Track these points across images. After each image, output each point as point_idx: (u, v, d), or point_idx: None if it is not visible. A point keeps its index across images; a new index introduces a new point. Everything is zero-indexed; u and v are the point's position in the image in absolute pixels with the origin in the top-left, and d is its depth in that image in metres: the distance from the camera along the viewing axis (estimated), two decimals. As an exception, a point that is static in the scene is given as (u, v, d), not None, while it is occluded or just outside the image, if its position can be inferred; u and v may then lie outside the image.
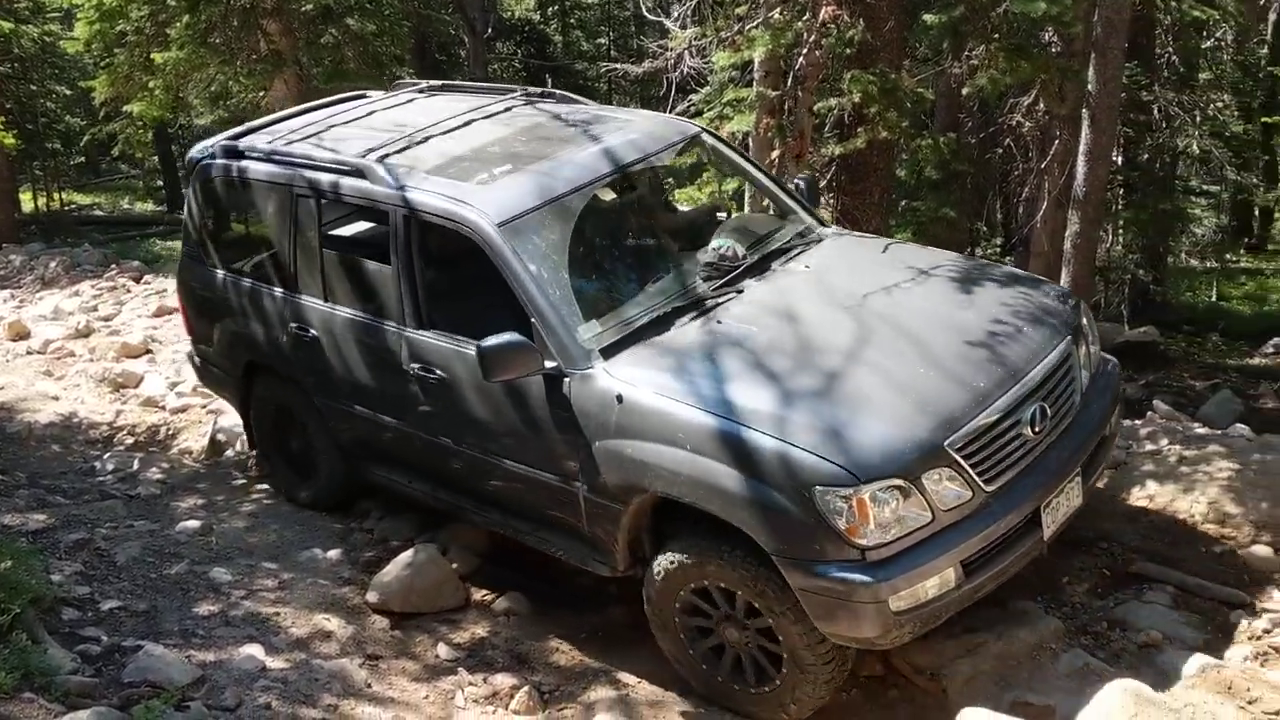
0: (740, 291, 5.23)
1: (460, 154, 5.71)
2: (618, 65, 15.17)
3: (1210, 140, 15.02)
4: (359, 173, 5.60)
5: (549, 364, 4.86)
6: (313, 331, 6.00)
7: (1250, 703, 4.40)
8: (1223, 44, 18.69)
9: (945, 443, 4.32)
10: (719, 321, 5.03)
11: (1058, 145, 9.60)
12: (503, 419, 5.17)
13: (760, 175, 6.41)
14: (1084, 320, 5.20)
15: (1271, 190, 16.68)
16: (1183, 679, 4.55)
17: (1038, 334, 4.93)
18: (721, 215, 6.46)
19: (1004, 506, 4.44)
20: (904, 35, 9.22)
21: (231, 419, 7.68)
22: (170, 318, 10.48)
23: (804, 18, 7.81)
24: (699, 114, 9.72)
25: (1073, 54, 9.06)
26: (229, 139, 6.54)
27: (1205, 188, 19.57)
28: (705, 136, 6.22)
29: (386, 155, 5.68)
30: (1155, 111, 14.12)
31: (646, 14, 11.92)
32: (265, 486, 7.13)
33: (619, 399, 4.69)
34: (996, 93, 8.67)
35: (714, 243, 5.59)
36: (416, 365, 5.44)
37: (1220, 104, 17.88)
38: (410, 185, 5.42)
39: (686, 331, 4.99)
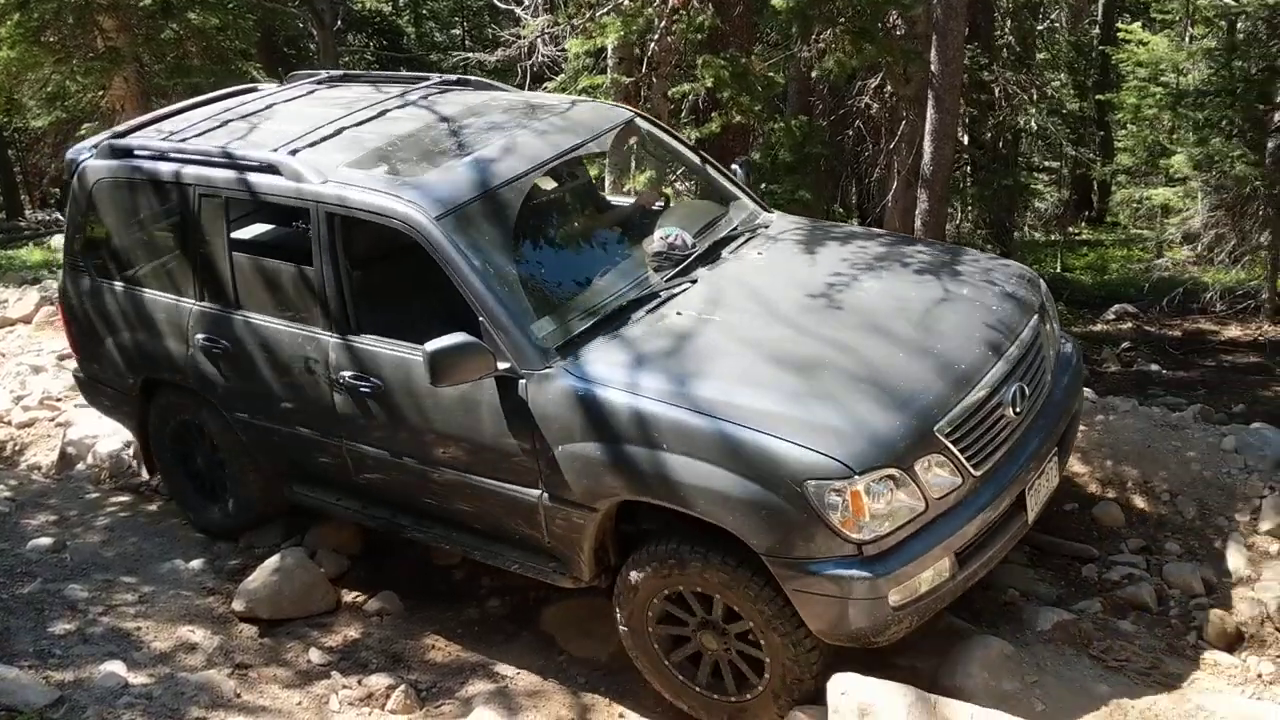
0: (694, 281, 4.96)
1: (380, 146, 5.29)
2: (471, 55, 15.03)
3: (1049, 118, 15.61)
4: (271, 168, 5.16)
5: (502, 365, 4.50)
6: (223, 343, 5.50)
7: (1103, 652, 4.63)
8: (1058, 25, 19.47)
9: (935, 428, 4.16)
10: (679, 313, 4.74)
11: (905, 126, 9.85)
12: (449, 427, 4.78)
13: (697, 159, 6.02)
14: (1046, 297, 5.09)
15: (1108, 164, 17.41)
16: (1039, 634, 4.76)
17: (1008, 312, 4.79)
18: (659, 204, 6.07)
19: (992, 491, 4.31)
20: (753, 20, 9.37)
21: (81, 430, 7.40)
22: (12, 329, 10.01)
23: (654, 4, 7.87)
24: (554, 102, 9.69)
25: (915, 36, 9.31)
26: (114, 137, 5.98)
27: (1046, 164, 20.35)
28: (639, 121, 5.93)
29: (297, 150, 5.25)
30: (996, 91, 14.63)
31: (499, 3, 11.82)
32: (123, 499, 6.89)
33: (581, 399, 4.39)
34: (844, 75, 8.87)
35: (659, 232, 5.30)
36: (347, 374, 5.02)
37: (1057, 83, 18.63)
38: (332, 180, 5.00)
39: (646, 324, 4.71)
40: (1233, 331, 13.20)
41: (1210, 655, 4.65)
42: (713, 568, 4.25)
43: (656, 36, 8.15)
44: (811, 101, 13.62)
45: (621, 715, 4.78)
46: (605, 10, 8.41)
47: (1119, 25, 14.80)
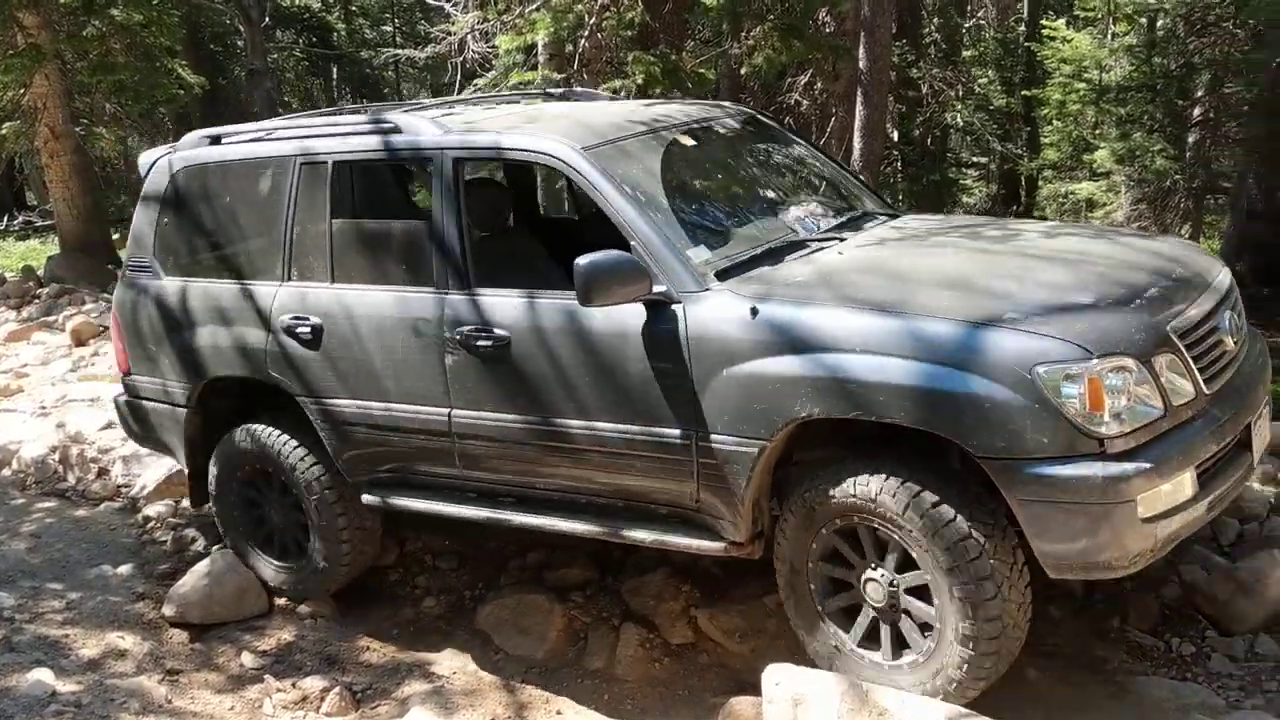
0: (843, 239, 4.73)
1: (505, 114, 5.23)
2: (402, 52, 14.92)
3: (976, 114, 15.84)
4: (393, 128, 4.97)
5: (657, 288, 4.19)
6: (312, 320, 5.04)
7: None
8: (984, 22, 19.74)
9: (1169, 326, 3.83)
10: (840, 254, 4.51)
11: (834, 122, 9.98)
12: (587, 369, 4.39)
13: (824, 156, 5.85)
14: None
15: (1034, 160, 17.71)
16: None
17: (1201, 257, 4.57)
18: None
19: (1224, 411, 3.95)
20: (684, 17, 9.40)
21: (5, 436, 7.26)
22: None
23: (584, 0, 7.87)
24: (486, 99, 9.68)
25: (844, 33, 9.43)
26: (204, 134, 5.72)
27: (974, 159, 20.64)
28: (762, 118, 5.87)
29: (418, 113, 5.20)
30: (924, 88, 14.82)
31: (429, -1, 11.78)
32: (49, 504, 6.77)
33: (754, 312, 4.02)
34: (774, 72, 8.94)
35: (796, 205, 5.13)
36: (465, 329, 4.63)
37: (985, 79, 18.90)
38: (460, 130, 4.86)
39: (807, 260, 4.46)
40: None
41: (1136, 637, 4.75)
42: (907, 489, 3.82)
43: (587, 33, 8.16)
44: (743, 98, 13.69)
45: (559, 713, 4.78)
46: (535, 6, 8.41)
47: (1043, 23, 15.05)
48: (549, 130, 4.73)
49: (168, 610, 5.47)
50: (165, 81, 15.19)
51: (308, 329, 5.05)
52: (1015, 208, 22.92)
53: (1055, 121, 15.10)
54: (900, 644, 4.07)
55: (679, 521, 4.45)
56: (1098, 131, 13.88)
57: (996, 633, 3.80)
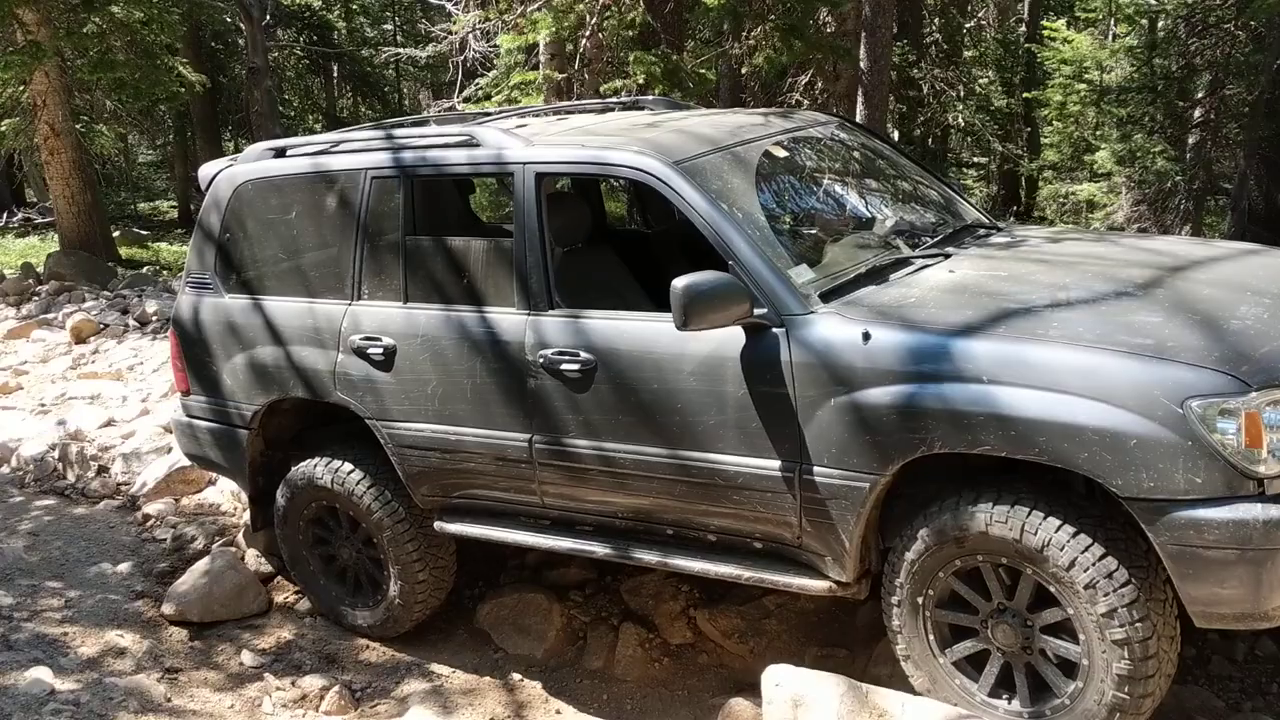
0: (947, 256, 4.45)
1: (581, 126, 4.99)
2: (403, 51, 14.91)
3: (977, 115, 15.84)
4: (469, 141, 4.76)
5: (759, 311, 3.93)
6: (384, 340, 4.80)
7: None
8: (985, 23, 19.75)
9: None
10: (951, 271, 4.24)
11: (836, 122, 9.95)
12: (682, 396, 4.12)
13: (924, 170, 5.56)
14: None
15: (1035, 160, 17.72)
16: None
17: None
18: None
19: None
20: (685, 17, 9.40)
21: (4, 434, 7.24)
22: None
23: (586, 0, 7.86)
24: (487, 97, 9.69)
25: (845, 33, 9.42)
26: (268, 146, 5.50)
27: (975, 159, 20.65)
28: (851, 125, 5.66)
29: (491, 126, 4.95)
30: (925, 88, 14.82)
31: (430, -2, 11.78)
32: (48, 502, 6.76)
33: (865, 337, 3.74)
34: (774, 72, 8.93)
35: (893, 217, 4.93)
36: (549, 352, 4.38)
37: (985, 80, 18.91)
38: (542, 144, 4.60)
39: (916, 280, 4.18)
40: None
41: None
42: (1045, 526, 3.53)
43: (588, 33, 8.16)
44: (743, 98, 13.71)
45: (558, 712, 4.78)
46: (537, 6, 8.41)
47: (1044, 23, 15.06)
48: (637, 143, 4.45)
49: (167, 608, 5.46)
50: (165, 79, 15.18)
51: (380, 350, 4.81)
52: (1015, 208, 22.95)
53: (1055, 122, 15.11)
54: (1040, 688, 3.75)
55: (776, 558, 4.17)
56: (1098, 132, 13.88)
57: (1152, 671, 3.52)
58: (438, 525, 4.93)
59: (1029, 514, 3.55)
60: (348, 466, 5.07)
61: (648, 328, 4.23)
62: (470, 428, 4.67)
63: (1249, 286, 4.02)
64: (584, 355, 4.31)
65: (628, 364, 4.23)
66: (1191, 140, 12.81)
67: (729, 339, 3.97)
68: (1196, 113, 12.85)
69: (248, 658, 5.20)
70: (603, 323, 4.35)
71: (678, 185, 4.21)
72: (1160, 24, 13.52)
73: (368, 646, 5.28)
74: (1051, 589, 3.58)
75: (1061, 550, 3.50)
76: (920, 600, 3.84)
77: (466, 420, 4.67)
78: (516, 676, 5.00)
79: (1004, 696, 3.79)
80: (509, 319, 4.53)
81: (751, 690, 4.23)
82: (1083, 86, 13.58)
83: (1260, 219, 11.47)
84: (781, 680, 3.95)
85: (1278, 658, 4.32)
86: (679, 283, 3.82)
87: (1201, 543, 3.29)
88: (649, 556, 4.43)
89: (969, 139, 19.17)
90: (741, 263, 4.00)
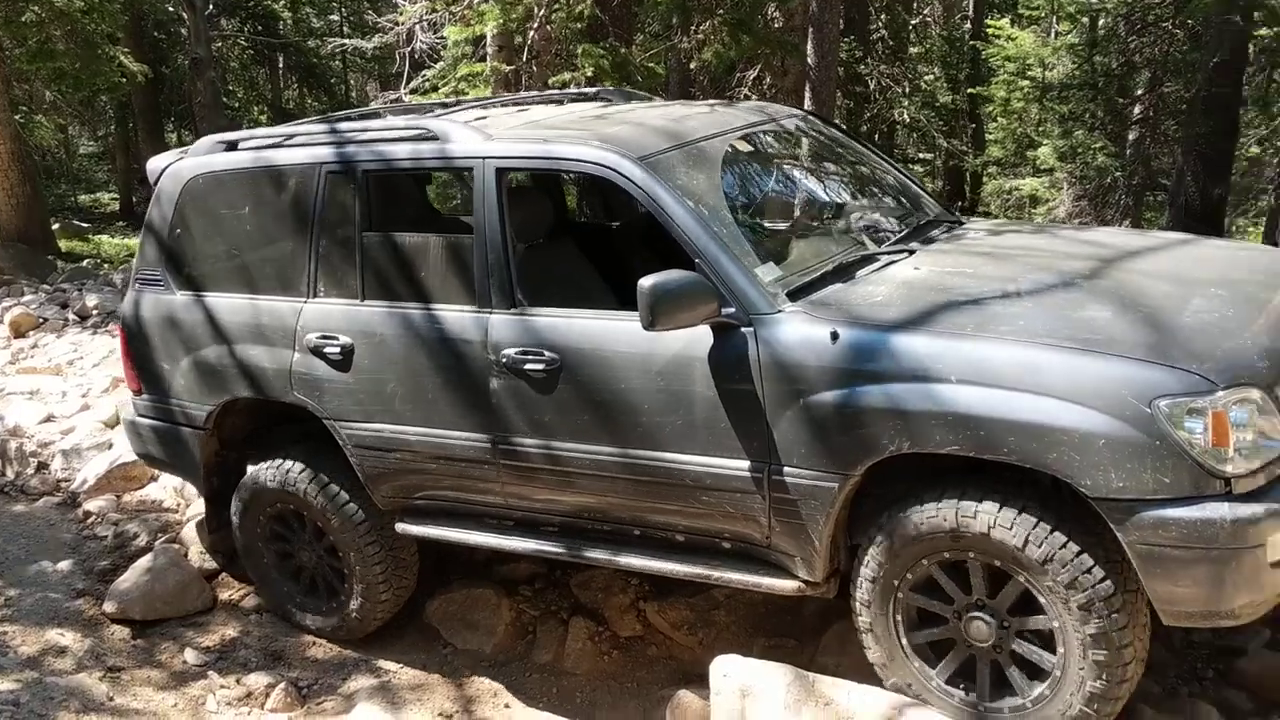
0: (912, 252, 4.43)
1: (542, 119, 4.87)
2: (349, 41, 14.78)
3: (923, 111, 15.99)
4: (427, 135, 4.64)
5: (726, 310, 3.90)
6: (341, 339, 4.69)
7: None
8: (930, 20, 19.94)
9: None
10: (916, 268, 4.22)
11: (784, 117, 10.00)
12: (648, 397, 4.07)
13: (888, 163, 5.53)
14: None
15: (979, 156, 17.94)
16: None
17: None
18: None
19: None
20: (633, 11, 9.40)
21: (-61, 430, 7.10)
22: None
23: (533, -8, 7.86)
24: (434, 89, 9.63)
25: (792, 29, 9.49)
26: (218, 140, 5.35)
27: (921, 155, 20.85)
28: (816, 119, 5.58)
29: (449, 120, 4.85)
30: (871, 84, 14.94)
31: (377, -11, 11.68)
32: (-17, 500, 6.63)
33: (834, 337, 3.72)
34: (723, 66, 8.96)
35: (858, 212, 4.89)
36: (512, 351, 4.31)
37: (931, 76, 19.10)
38: (503, 139, 4.50)
39: (883, 277, 4.16)
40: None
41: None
42: (1018, 524, 3.51)
43: (536, 25, 8.14)
44: (692, 92, 13.71)
45: (507, 706, 4.78)
46: (484, -2, 8.37)
47: (988, 21, 15.25)
48: (600, 138, 4.37)
49: (108, 607, 5.40)
50: (106, 69, 14.96)
51: (337, 349, 4.71)
52: (960, 204, 23.20)
53: (1000, 118, 15.30)
54: (1000, 685, 3.76)
55: (745, 558, 4.15)
56: (1041, 129, 14.07)
57: (1123, 678, 3.55)
58: (399, 527, 4.86)
59: (1036, 524, 3.50)
60: (300, 468, 4.99)
61: (614, 327, 4.17)
62: (431, 428, 4.59)
63: (1206, 277, 4.07)
64: (548, 355, 4.25)
65: (593, 364, 4.17)
66: (1131, 137, 13.05)
67: (697, 339, 3.93)
68: (1136, 110, 13.08)
69: (191, 656, 5.14)
70: (568, 322, 4.28)
71: (643, 182, 4.14)
72: (1101, 22, 13.76)
73: (314, 643, 5.25)
74: (1042, 600, 3.55)
75: (1064, 567, 3.47)
76: (896, 582, 3.82)
77: (427, 421, 4.59)
78: (465, 672, 4.99)
79: (961, 686, 3.81)
80: (470, 317, 4.45)
81: (700, 681, 4.27)
82: (1026, 83, 13.76)
83: (1197, 214, 11.69)
84: (729, 671, 3.99)
85: (1213, 644, 4.41)
86: (646, 282, 3.77)
87: (1170, 542, 3.30)
88: (615, 558, 4.39)
89: (915, 135, 19.36)
90: (708, 261, 3.95)
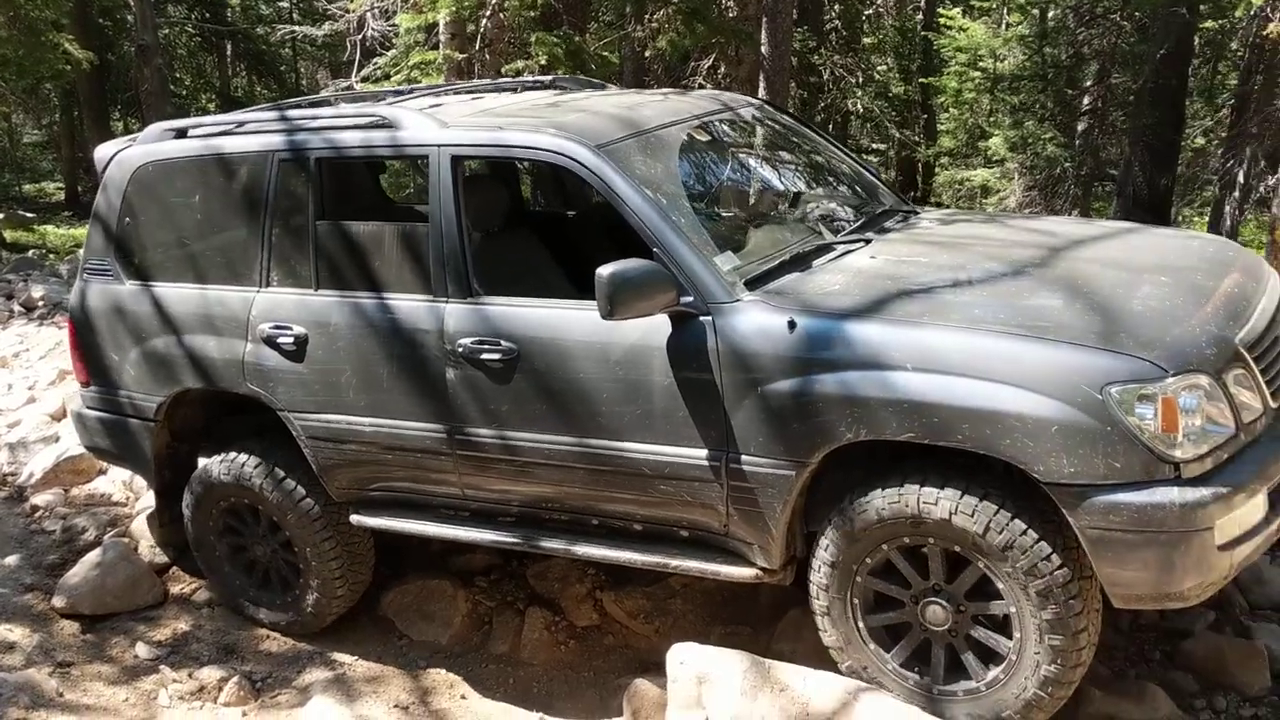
0: (868, 241, 4.45)
1: (498, 107, 4.86)
2: (298, 28, 14.64)
3: (876, 101, 16.09)
4: (381, 122, 4.60)
5: (685, 299, 3.90)
6: (295, 329, 4.64)
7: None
8: (883, 10, 20.06)
9: (1237, 339, 3.61)
10: (872, 257, 4.25)
11: (738, 106, 10.03)
12: (607, 386, 4.07)
13: (843, 152, 5.55)
14: None
15: (932, 146, 18.10)
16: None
17: (1251, 257, 4.37)
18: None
19: None
20: (588, -1, 9.39)
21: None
22: None
23: (486, -20, 7.82)
24: (386, 77, 9.57)
25: (747, 18, 9.51)
26: (167, 127, 5.24)
27: (875, 145, 21.00)
28: (772, 108, 5.59)
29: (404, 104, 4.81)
30: (825, 74, 15.01)
31: (327, -25, 11.56)
32: (-74, 495, 6.51)
33: (791, 326, 3.74)
34: (677, 55, 8.96)
35: (814, 202, 4.93)
36: (468, 341, 4.28)
37: (884, 67, 19.23)
38: (459, 126, 4.48)
39: (839, 266, 4.18)
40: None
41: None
42: (973, 510, 3.55)
43: (489, 13, 8.10)
44: (646, 81, 13.72)
45: (464, 697, 4.77)
46: (437, -15, 8.31)
47: (940, 11, 15.36)
48: (557, 126, 4.35)
49: (58, 601, 5.33)
50: (50, 56, 14.71)
51: (290, 339, 4.66)
52: (913, 194, 23.40)
53: (952, 109, 15.44)
54: (955, 669, 3.81)
55: (704, 546, 4.17)
56: (991, 119, 14.22)
57: (1077, 662, 3.60)
58: (354, 519, 4.82)
59: (997, 512, 3.53)
60: (253, 461, 4.94)
61: (571, 316, 4.16)
62: (387, 419, 4.56)
63: (1157, 266, 4.13)
64: (505, 344, 4.24)
65: (551, 353, 4.16)
66: (1080, 127, 13.21)
67: (655, 328, 3.94)
68: (1085, 101, 13.24)
69: (143, 650, 5.10)
70: (525, 311, 4.27)
71: (601, 170, 4.13)
72: (1051, 14, 13.90)
73: (268, 637, 5.21)
74: (1000, 585, 3.59)
75: (1024, 554, 3.50)
76: (855, 566, 3.84)
77: (383, 411, 4.56)
78: (421, 663, 4.98)
79: (915, 670, 3.85)
80: (425, 307, 4.42)
81: (657, 669, 4.28)
82: (977, 74, 13.89)
83: (1144, 204, 11.89)
84: (686, 658, 4.01)
85: (1159, 627, 4.49)
86: (604, 271, 3.76)
87: (1121, 526, 3.35)
88: (572, 548, 4.39)
89: (868, 125, 19.49)
90: (667, 250, 3.95)
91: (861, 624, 3.90)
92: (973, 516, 3.55)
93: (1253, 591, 4.69)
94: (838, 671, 3.96)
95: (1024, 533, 3.51)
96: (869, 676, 3.89)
